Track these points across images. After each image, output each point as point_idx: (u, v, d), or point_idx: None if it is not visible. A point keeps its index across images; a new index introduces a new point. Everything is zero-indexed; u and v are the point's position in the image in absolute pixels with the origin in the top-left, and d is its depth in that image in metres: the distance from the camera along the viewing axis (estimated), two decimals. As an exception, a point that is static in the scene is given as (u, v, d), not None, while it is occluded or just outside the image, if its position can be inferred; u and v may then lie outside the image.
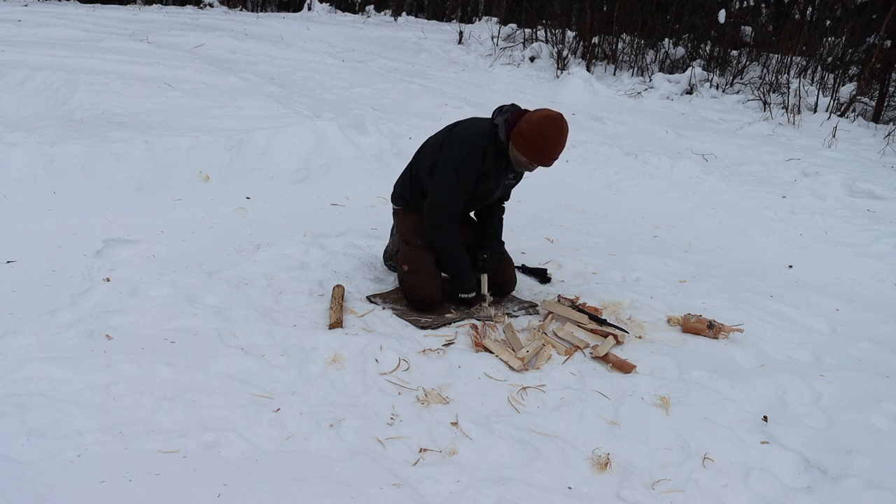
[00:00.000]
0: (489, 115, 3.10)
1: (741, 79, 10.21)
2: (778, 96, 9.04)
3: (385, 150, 5.14)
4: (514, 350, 2.74)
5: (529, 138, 2.85)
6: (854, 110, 8.77)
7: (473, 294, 3.14)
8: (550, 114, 2.87)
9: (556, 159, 2.94)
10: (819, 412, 2.55)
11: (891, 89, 8.89)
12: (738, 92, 9.70)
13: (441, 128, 3.25)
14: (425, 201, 3.09)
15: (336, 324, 2.81)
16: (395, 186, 3.34)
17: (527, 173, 3.26)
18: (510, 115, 2.98)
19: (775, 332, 3.20)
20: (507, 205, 3.45)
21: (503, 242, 3.36)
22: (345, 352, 2.61)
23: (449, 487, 1.96)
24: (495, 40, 11.73)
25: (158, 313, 2.74)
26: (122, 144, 4.15)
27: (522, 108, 3.03)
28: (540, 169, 3.06)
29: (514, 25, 12.79)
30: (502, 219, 3.40)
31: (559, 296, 3.30)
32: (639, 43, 10.89)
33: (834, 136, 7.52)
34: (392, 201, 3.35)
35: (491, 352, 2.72)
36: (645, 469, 2.14)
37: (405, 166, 3.34)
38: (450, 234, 3.07)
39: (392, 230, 3.45)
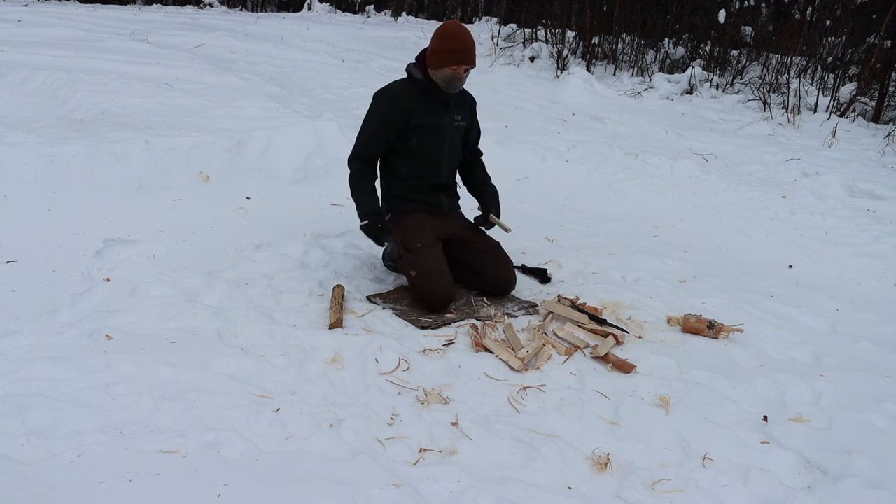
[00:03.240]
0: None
1: (741, 79, 10.20)
2: (778, 96, 9.04)
3: (385, 150, 5.13)
4: (514, 350, 2.74)
5: (438, 48, 3.01)
6: (854, 110, 8.77)
7: (366, 222, 3.12)
8: (445, 22, 3.09)
9: (473, 52, 3.02)
10: (819, 412, 2.55)
11: (891, 89, 8.88)
12: (738, 92, 9.69)
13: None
14: None
15: (336, 324, 2.81)
16: (380, 190, 3.36)
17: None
18: (418, 55, 3.15)
19: (775, 332, 3.20)
20: (506, 204, 3.43)
21: (494, 186, 3.45)
22: (345, 352, 2.61)
23: (449, 487, 1.96)
24: (495, 40, 11.72)
25: (158, 313, 2.74)
26: (122, 144, 4.15)
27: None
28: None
29: (514, 25, 12.78)
30: (484, 168, 3.51)
31: (559, 296, 3.30)
32: (639, 43, 10.89)
33: (834, 136, 7.52)
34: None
35: (491, 352, 2.72)
36: (645, 469, 2.14)
37: None
38: (354, 174, 3.20)
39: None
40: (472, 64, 3.06)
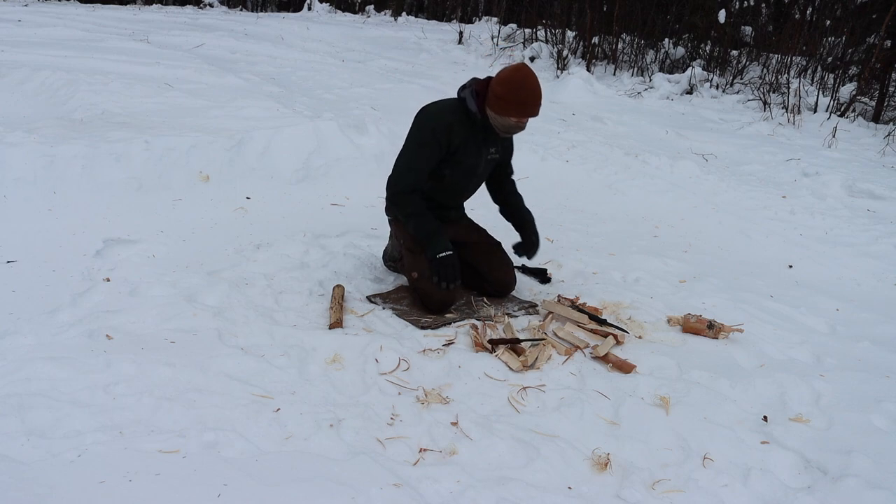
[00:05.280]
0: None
1: (741, 79, 10.20)
2: (778, 96, 9.04)
3: (385, 150, 5.13)
4: (514, 351, 2.74)
5: (508, 96, 2.83)
6: (854, 110, 8.77)
7: (449, 252, 2.96)
8: (515, 66, 2.88)
9: (541, 103, 2.91)
10: (819, 412, 2.55)
11: (891, 89, 8.88)
12: (738, 92, 9.69)
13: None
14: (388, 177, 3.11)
15: (336, 324, 2.81)
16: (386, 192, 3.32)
17: (514, 143, 3.27)
18: (475, 85, 2.97)
19: (775, 332, 3.20)
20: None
21: (532, 219, 3.37)
22: (345, 352, 2.61)
23: (449, 487, 1.96)
24: (495, 40, 11.72)
25: (158, 313, 2.74)
26: (122, 144, 4.15)
27: (482, 77, 3.02)
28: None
29: (514, 25, 12.78)
30: (517, 193, 3.41)
31: (559, 296, 3.30)
32: (639, 43, 10.89)
33: (834, 136, 7.51)
34: (385, 212, 3.32)
35: (491, 352, 2.72)
36: (645, 469, 2.14)
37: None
38: (406, 204, 3.04)
39: (391, 232, 3.45)
40: (538, 114, 2.93)
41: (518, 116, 2.89)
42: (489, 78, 2.96)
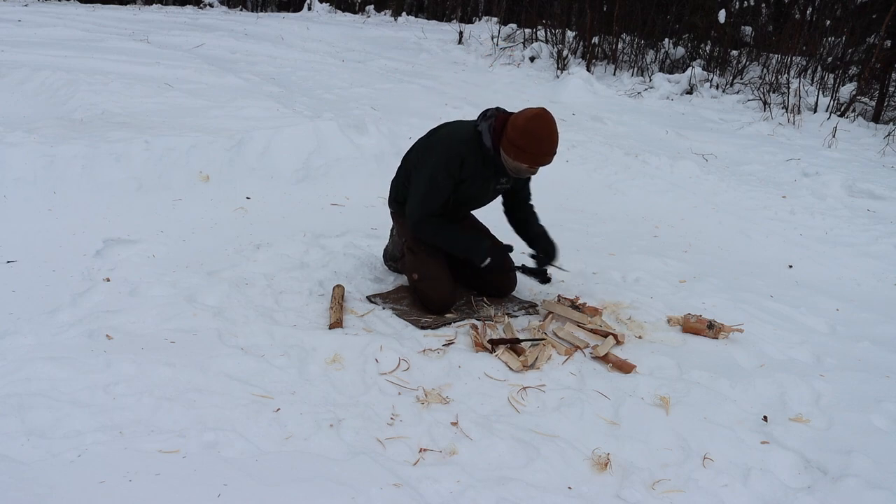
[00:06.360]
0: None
1: (741, 79, 10.20)
2: (778, 96, 9.03)
3: (385, 150, 5.14)
4: (514, 351, 2.74)
5: (522, 144, 2.79)
6: (854, 110, 8.76)
7: (489, 259, 3.03)
8: (535, 112, 2.81)
9: (555, 154, 2.89)
10: (819, 412, 2.55)
11: (891, 89, 8.87)
12: (738, 92, 9.69)
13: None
14: (406, 206, 3.10)
15: (336, 324, 2.81)
16: (390, 189, 3.33)
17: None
18: (494, 119, 2.91)
19: (775, 332, 3.20)
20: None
21: (544, 232, 3.27)
22: (345, 352, 2.61)
23: (449, 487, 1.96)
24: (495, 40, 11.72)
25: (158, 313, 2.74)
26: (122, 144, 4.16)
27: (507, 111, 2.96)
28: (540, 167, 3.03)
29: (514, 25, 12.77)
30: (535, 213, 3.33)
31: (559, 296, 3.30)
32: (639, 43, 10.89)
33: (834, 136, 7.51)
34: (389, 205, 3.34)
35: (491, 352, 2.72)
36: (645, 469, 2.14)
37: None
38: (432, 228, 3.04)
39: (391, 231, 3.45)
40: (551, 163, 2.90)
41: (531, 164, 2.86)
42: (509, 115, 2.91)
